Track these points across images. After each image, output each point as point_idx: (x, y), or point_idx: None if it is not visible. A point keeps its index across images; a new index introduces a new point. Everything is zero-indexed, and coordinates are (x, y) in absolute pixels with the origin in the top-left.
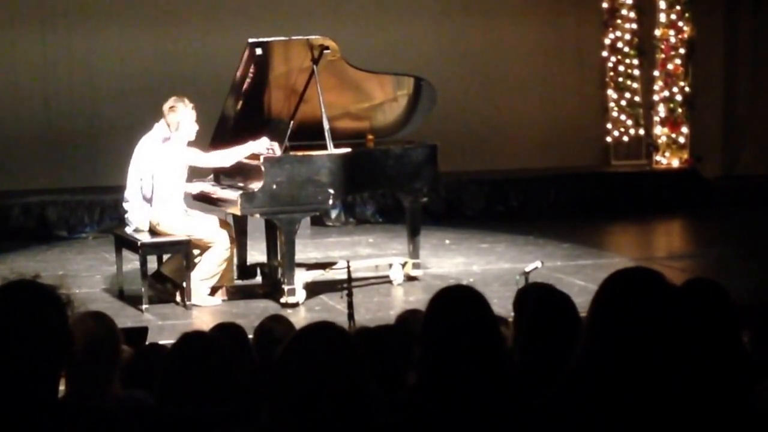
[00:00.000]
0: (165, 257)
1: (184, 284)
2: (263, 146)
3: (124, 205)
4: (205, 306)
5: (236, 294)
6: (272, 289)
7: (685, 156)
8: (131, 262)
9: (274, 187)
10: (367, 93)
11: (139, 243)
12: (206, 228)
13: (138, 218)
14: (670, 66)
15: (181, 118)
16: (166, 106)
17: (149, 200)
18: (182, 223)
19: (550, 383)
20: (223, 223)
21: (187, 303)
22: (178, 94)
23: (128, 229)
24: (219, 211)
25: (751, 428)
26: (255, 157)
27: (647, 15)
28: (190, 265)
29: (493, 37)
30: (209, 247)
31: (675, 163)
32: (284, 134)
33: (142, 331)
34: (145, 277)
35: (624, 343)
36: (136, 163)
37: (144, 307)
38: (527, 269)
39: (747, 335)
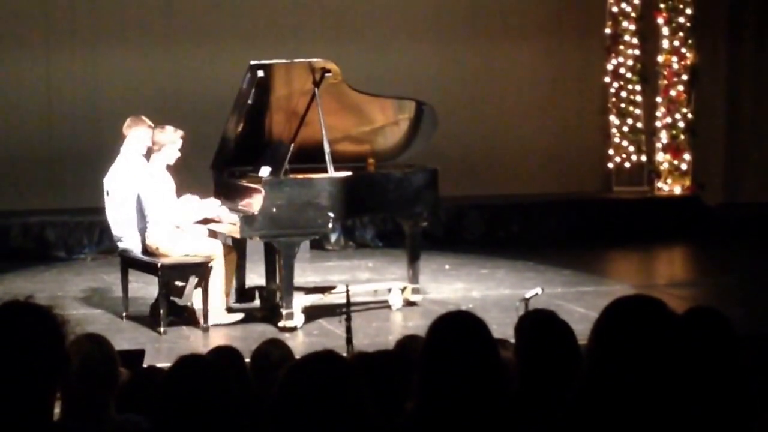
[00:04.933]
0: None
1: (194, 305)
2: (217, 213)
3: (115, 231)
4: (227, 323)
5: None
6: (270, 313)
7: (687, 183)
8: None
9: (274, 210)
10: (368, 116)
11: (159, 265)
12: (204, 242)
13: (132, 243)
14: (672, 92)
15: (166, 140)
16: (135, 119)
17: (143, 224)
18: (181, 242)
19: (549, 411)
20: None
21: (208, 324)
22: (179, 116)
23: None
24: (219, 234)
25: None
26: (255, 179)
27: (650, 41)
28: (206, 287)
29: (495, 61)
30: (210, 260)
31: (677, 190)
32: (284, 157)
33: (139, 354)
34: (165, 300)
35: (625, 371)
36: (119, 189)
37: (163, 329)
38: (527, 296)
39: (747, 365)
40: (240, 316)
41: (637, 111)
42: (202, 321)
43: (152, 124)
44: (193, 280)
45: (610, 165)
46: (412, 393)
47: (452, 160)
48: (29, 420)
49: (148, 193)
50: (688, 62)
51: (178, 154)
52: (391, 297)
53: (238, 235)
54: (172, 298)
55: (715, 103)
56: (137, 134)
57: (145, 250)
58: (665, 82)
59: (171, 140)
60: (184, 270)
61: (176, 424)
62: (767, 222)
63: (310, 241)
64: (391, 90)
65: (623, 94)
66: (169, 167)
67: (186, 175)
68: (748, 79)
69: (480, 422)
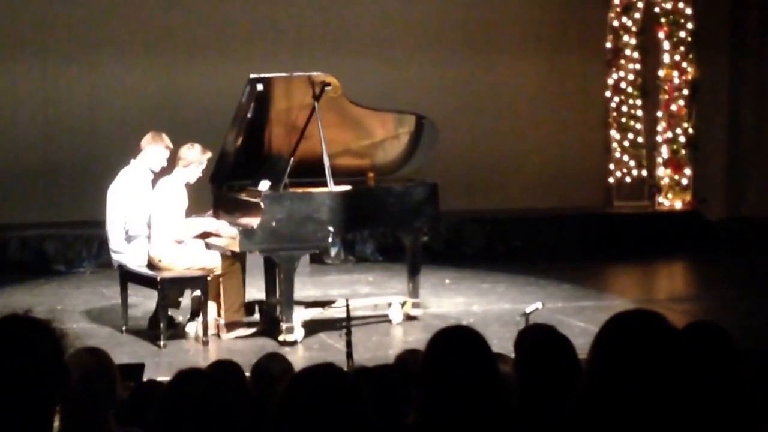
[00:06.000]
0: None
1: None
2: (218, 227)
3: (114, 245)
4: (242, 335)
5: (233, 331)
6: (270, 327)
7: (688, 198)
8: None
9: (274, 224)
10: (368, 130)
11: (158, 278)
12: (205, 255)
13: (131, 256)
14: (673, 107)
15: (194, 158)
16: (155, 135)
17: (147, 236)
18: (183, 255)
19: (549, 425)
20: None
21: (224, 337)
22: (178, 129)
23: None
24: (217, 248)
25: None
26: (255, 193)
27: (651, 55)
28: (206, 300)
29: (495, 75)
30: (212, 273)
31: (678, 204)
32: (284, 171)
33: (139, 368)
34: (164, 312)
35: (624, 386)
36: (127, 199)
37: (162, 343)
38: (528, 310)
39: (748, 379)
40: (252, 329)
41: (638, 125)
42: (201, 334)
43: (170, 145)
44: (189, 296)
45: (611, 179)
46: (413, 407)
47: (453, 174)
48: None
49: (154, 207)
50: (689, 77)
51: (200, 174)
52: (392, 311)
53: (237, 249)
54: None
55: (716, 117)
56: (153, 151)
57: (148, 263)
58: (666, 96)
59: (198, 160)
60: (183, 283)
61: None
62: None
63: (310, 255)
64: (391, 104)
65: (624, 108)
66: (187, 185)
67: (185, 189)
68: (749, 93)
69: None
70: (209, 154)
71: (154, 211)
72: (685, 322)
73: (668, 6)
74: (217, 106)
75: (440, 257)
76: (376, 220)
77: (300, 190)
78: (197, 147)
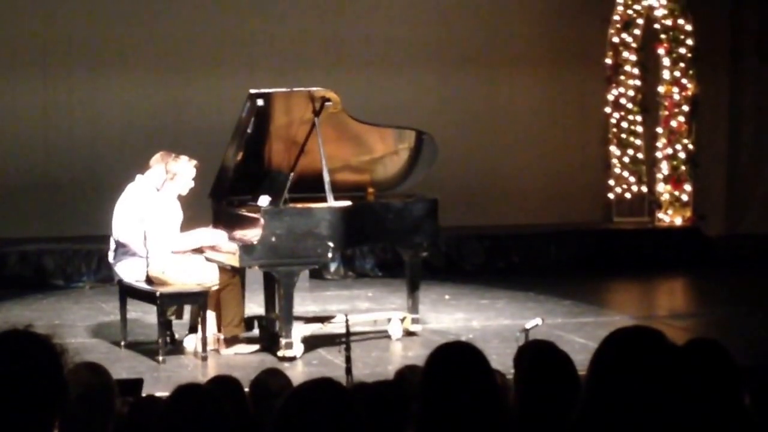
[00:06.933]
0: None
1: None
2: (217, 239)
3: (115, 257)
4: (241, 353)
5: (233, 346)
6: (270, 343)
7: (688, 214)
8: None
9: (273, 239)
10: (368, 146)
11: (157, 294)
12: (205, 270)
13: (130, 270)
14: (673, 123)
15: (180, 170)
16: (165, 155)
17: (146, 250)
18: (183, 269)
19: None
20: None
21: (223, 352)
22: (178, 144)
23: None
24: (217, 262)
25: None
26: (255, 209)
27: (651, 72)
28: (204, 316)
29: (495, 91)
30: (210, 288)
31: (678, 221)
32: (284, 186)
33: (138, 383)
34: (163, 328)
35: (623, 403)
36: (129, 213)
37: (161, 358)
38: (527, 326)
39: (748, 396)
40: (256, 346)
41: (638, 141)
42: (200, 349)
43: None
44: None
45: (611, 195)
46: (412, 423)
47: (452, 189)
48: None
49: (151, 222)
50: (689, 93)
51: (192, 184)
52: (391, 327)
53: (237, 264)
54: (170, 316)
55: (716, 133)
56: (161, 170)
57: (146, 278)
58: (666, 112)
59: (184, 170)
60: (182, 298)
61: None
62: None
63: (309, 271)
64: (391, 119)
65: (624, 124)
66: (180, 197)
67: (185, 204)
68: (749, 109)
69: None
70: (195, 163)
71: (149, 227)
72: (684, 338)
73: (668, 22)
74: (218, 121)
75: (440, 273)
76: (376, 235)
77: (300, 206)
78: (182, 158)
